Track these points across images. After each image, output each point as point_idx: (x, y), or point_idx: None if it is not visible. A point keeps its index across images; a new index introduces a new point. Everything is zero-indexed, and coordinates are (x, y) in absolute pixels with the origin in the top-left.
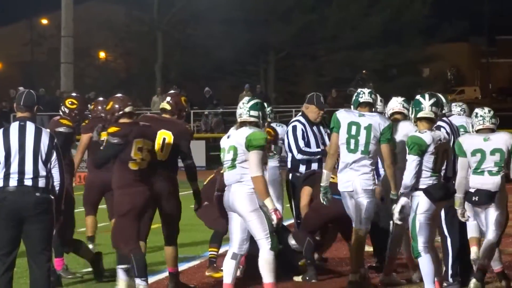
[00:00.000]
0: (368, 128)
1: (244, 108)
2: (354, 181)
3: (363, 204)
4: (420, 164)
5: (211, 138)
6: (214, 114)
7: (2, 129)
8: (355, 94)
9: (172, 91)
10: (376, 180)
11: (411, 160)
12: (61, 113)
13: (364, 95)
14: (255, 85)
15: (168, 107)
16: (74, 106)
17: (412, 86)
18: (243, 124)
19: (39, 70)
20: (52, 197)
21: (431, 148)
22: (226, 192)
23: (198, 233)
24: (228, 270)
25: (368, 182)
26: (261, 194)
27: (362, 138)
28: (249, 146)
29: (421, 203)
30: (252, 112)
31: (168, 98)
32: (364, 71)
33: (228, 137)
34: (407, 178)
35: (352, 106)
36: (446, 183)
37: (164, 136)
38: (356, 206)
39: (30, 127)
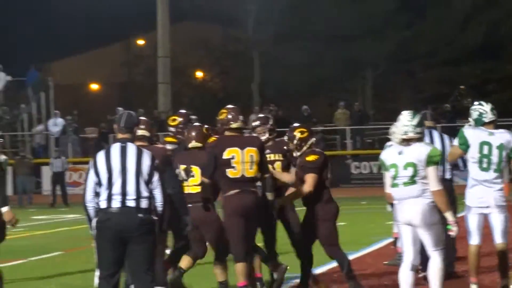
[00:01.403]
0: (500, 147)
1: (409, 126)
2: (488, 197)
3: (499, 218)
4: None
5: None
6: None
7: (103, 151)
8: (477, 114)
9: (230, 106)
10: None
11: None
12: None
13: (487, 114)
14: (352, 102)
15: (244, 125)
16: (176, 122)
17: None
18: (407, 140)
19: (136, 90)
20: (155, 218)
21: None
22: (401, 206)
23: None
24: (407, 281)
25: (502, 198)
26: (443, 207)
27: (494, 157)
28: (428, 162)
29: None
30: (418, 129)
31: (241, 117)
32: (462, 87)
33: (399, 153)
34: None
35: (473, 122)
36: None
37: (251, 153)
38: (491, 221)
39: (131, 149)
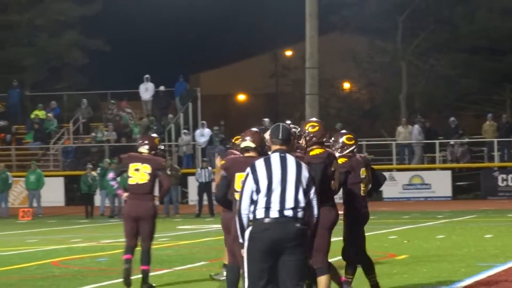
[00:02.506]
0: None
1: None
2: None
3: None
4: None
5: (456, 168)
6: (460, 144)
7: (263, 159)
8: None
9: (318, 120)
10: None
11: None
12: None
13: None
14: (500, 115)
15: None
16: None
17: None
18: None
19: (283, 101)
20: (308, 229)
21: None
22: None
23: (445, 263)
24: None
25: None
26: None
27: None
28: None
29: None
30: None
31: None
32: None
33: None
34: None
35: None
36: None
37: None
38: None
39: (291, 159)
